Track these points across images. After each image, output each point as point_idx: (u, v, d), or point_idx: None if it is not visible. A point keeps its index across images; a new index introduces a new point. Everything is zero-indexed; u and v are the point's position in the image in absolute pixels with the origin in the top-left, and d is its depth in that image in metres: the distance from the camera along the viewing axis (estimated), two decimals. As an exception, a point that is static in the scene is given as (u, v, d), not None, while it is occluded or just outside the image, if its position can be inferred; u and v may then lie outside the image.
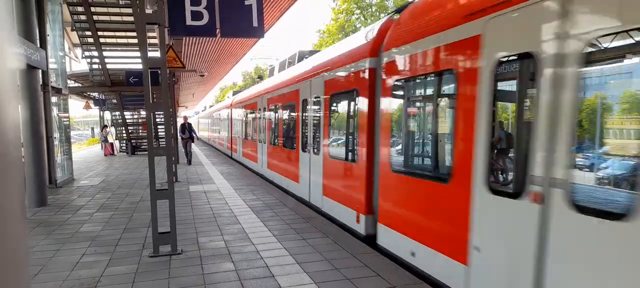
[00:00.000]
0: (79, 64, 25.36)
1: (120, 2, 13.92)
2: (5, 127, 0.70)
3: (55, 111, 12.65)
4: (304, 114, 10.02)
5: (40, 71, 10.43)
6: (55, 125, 12.38)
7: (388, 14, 7.21)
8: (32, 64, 9.68)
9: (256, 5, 6.34)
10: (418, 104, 5.98)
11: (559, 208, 3.26)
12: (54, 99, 12.36)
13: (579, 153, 3.45)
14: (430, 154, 5.51)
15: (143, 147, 25.39)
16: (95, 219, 8.25)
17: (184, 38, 17.09)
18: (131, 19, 14.86)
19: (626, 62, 3.09)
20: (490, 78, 4.04)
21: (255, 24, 6.36)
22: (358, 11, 34.63)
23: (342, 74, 7.81)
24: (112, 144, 26.11)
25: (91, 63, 18.46)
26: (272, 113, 13.43)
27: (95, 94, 26.01)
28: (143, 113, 24.41)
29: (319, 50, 11.36)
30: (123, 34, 16.82)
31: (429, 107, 5.63)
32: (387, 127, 6.08)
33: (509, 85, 4.19)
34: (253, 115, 16.65)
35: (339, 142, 8.36)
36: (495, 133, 4.21)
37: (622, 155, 3.35)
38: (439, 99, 5.34)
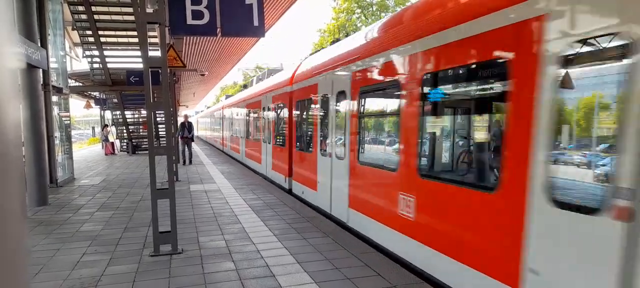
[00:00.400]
0: (79, 63, 25.40)
1: (121, 1, 13.93)
2: (5, 126, 0.70)
3: (56, 110, 12.65)
4: (263, 117, 14.72)
5: (41, 70, 10.44)
6: (56, 124, 12.39)
7: (305, 58, 12.00)
8: (32, 63, 9.69)
9: (257, 5, 6.35)
10: (302, 114, 10.56)
11: (335, 158, 7.97)
12: (54, 98, 12.37)
13: (339, 137, 7.88)
14: (307, 139, 10.14)
15: (143, 146, 25.39)
16: (95, 218, 8.26)
17: (184, 37, 17.10)
18: (132, 18, 14.87)
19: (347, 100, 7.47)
20: (333, 103, 8.14)
21: (255, 23, 6.36)
22: (359, 11, 34.57)
23: (278, 93, 12.68)
24: (112, 143, 26.13)
25: (92, 62, 18.48)
26: (248, 115, 17.96)
27: (96, 93, 26.03)
28: (144, 112, 24.43)
29: (281, 69, 16.96)
30: (124, 33, 16.84)
31: (306, 117, 10.30)
32: (294, 125, 11.07)
33: (337, 107, 8.02)
34: (237, 116, 21.26)
35: (279, 135, 12.68)
36: (325, 129, 8.64)
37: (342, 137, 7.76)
38: (310, 112, 9.95)
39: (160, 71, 6.27)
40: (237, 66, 35.93)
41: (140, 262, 5.66)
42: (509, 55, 3.85)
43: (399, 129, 5.75)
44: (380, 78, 6.37)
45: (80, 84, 22.48)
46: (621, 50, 2.90)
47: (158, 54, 6.26)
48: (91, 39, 15.88)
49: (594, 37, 3.08)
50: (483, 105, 4.96)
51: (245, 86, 24.98)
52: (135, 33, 15.64)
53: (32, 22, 10.23)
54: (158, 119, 22.63)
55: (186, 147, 18.26)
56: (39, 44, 10.52)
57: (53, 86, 11.83)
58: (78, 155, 22.11)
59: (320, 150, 8.88)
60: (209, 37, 18.52)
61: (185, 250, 6.10)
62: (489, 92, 4.58)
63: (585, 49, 3.17)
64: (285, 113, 11.70)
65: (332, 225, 7.56)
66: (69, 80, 16.37)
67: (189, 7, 6.02)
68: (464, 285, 4.49)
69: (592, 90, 3.37)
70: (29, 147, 9.74)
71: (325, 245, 6.33)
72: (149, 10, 6.29)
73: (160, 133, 24.14)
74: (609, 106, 3.21)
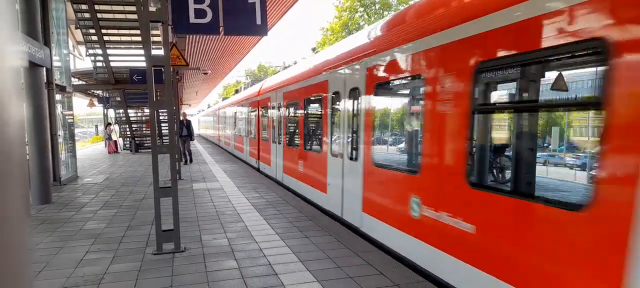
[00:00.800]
0: (83, 61, 25.46)
1: (124, 0, 13.94)
2: (9, 124, 0.70)
3: (59, 109, 12.68)
4: (244, 118, 20.06)
5: (44, 69, 10.47)
6: (59, 122, 12.42)
7: (268, 77, 19.88)
8: (36, 61, 9.72)
9: (259, 3, 6.34)
10: (264, 116, 15.04)
11: (277, 144, 12.98)
12: (58, 97, 12.40)
13: (279, 131, 12.90)
14: (266, 133, 14.53)
15: (146, 144, 25.43)
16: (99, 217, 8.28)
17: (187, 36, 17.10)
18: (135, 16, 14.88)
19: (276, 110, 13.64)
20: (276, 109, 13.10)
21: (258, 21, 6.35)
22: (361, 9, 34.48)
23: (252, 100, 17.67)
24: (115, 142, 26.18)
25: (95, 61, 18.50)
26: (235, 116, 23.28)
27: (99, 92, 26.07)
28: (146, 111, 24.48)
29: (263, 79, 23.62)
30: (127, 31, 16.86)
31: (265, 118, 14.74)
32: (261, 124, 15.60)
33: (278, 112, 12.93)
34: (228, 116, 26.98)
35: (252, 131, 17.76)
36: (273, 126, 13.63)
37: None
38: (267, 115, 14.37)
39: (163, 70, 6.28)
40: (240, 65, 36.04)
41: (143, 260, 5.68)
42: (322, 94, 8.80)
43: (298, 125, 10.85)
44: (292, 97, 11.33)
45: (84, 83, 22.52)
46: (354, 95, 7.27)
47: (161, 52, 6.27)
48: (94, 38, 15.90)
49: (337, 92, 7.98)
50: (321, 115, 9.11)
51: (237, 91, 31.49)
52: (138, 32, 15.64)
53: (36, 21, 10.25)
54: (161, 118, 22.65)
55: (185, 146, 17.83)
56: (43, 43, 10.54)
57: (56, 84, 11.86)
58: (81, 154, 22.17)
59: (272, 140, 13.71)
60: (211, 36, 18.52)
61: (188, 249, 6.11)
62: (320, 109, 9.16)
63: (336, 96, 8.01)
64: (257, 115, 16.82)
65: (337, 224, 7.58)
66: (72, 79, 16.40)
67: (192, 6, 6.02)
68: (314, 198, 9.42)
69: (340, 110, 7.86)
70: (32, 145, 9.77)
71: (328, 243, 6.33)
72: (152, 8, 6.30)
73: (163, 132, 24.15)
74: (339, 116, 7.95)
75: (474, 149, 4.54)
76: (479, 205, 4.22)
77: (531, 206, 3.59)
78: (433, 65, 5.00)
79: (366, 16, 34.37)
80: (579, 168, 4.17)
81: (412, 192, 5.34)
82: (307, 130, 10.34)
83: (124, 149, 26.83)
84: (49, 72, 11.13)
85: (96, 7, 13.95)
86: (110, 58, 17.87)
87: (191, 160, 18.44)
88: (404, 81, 6.01)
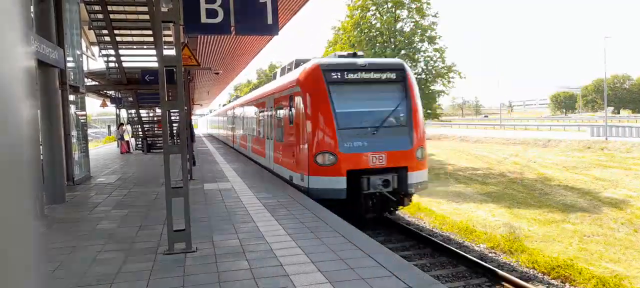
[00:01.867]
0: (95, 62, 25.73)
1: (136, 1, 14.05)
2: (21, 125, 0.69)
3: (72, 109, 12.82)
4: (229, 120, 29.15)
5: (57, 69, 10.58)
6: (72, 123, 12.56)
7: (232, 100, 36.69)
8: (50, 62, 9.82)
9: (270, 3, 6.32)
10: (234, 120, 27.55)
11: (241, 133, 24.42)
12: (71, 97, 12.54)
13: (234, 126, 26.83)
14: (248, 130, 21.57)
15: (158, 144, 25.64)
16: (111, 216, 8.34)
17: (199, 36, 17.18)
18: (147, 17, 14.99)
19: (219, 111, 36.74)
20: (232, 117, 29.41)
21: (269, 21, 6.34)
22: (373, 8, 34.25)
23: (232, 109, 28.48)
24: (128, 142, 26.44)
25: (108, 61, 18.68)
26: (232, 118, 29.68)
27: (112, 92, 26.34)
28: (158, 111, 24.66)
29: (248, 93, 32.77)
30: (139, 32, 16.99)
31: (233, 122, 27.89)
32: (233, 123, 27.69)
33: (235, 118, 27.54)
34: (221, 119, 37.00)
35: (232, 129, 28.09)
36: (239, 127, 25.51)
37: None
38: (235, 119, 26.93)
39: (174, 70, 6.30)
40: (251, 64, 36.45)
41: (155, 260, 5.70)
42: (265, 101, 15.89)
43: (244, 123, 21.86)
44: (243, 108, 22.00)
45: (97, 83, 22.76)
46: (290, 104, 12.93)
47: (173, 52, 6.29)
48: (107, 38, 16.05)
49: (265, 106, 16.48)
50: (266, 116, 15.72)
51: (229, 101, 41.71)
52: (150, 32, 15.78)
53: (50, 22, 10.36)
54: (172, 118, 22.82)
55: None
56: (56, 44, 10.66)
57: (70, 85, 11.98)
58: (94, 154, 22.43)
59: (242, 132, 22.25)
60: (223, 36, 18.59)
61: (200, 249, 6.11)
62: (267, 113, 15.55)
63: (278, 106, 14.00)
64: (231, 119, 27.18)
65: (347, 224, 7.54)
66: (86, 79, 16.60)
67: (203, 6, 6.02)
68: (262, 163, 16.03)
69: (280, 114, 13.52)
70: (46, 145, 9.88)
71: (340, 244, 6.28)
72: (164, 9, 6.32)
73: (174, 131, 24.32)
74: (280, 118, 14.03)
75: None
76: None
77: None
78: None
79: (378, 15, 34.13)
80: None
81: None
82: (251, 127, 19.14)
83: (136, 149, 27.08)
84: (63, 72, 11.24)
85: (109, 8, 14.08)
86: (123, 58, 18.02)
87: (194, 163, 16.86)
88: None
